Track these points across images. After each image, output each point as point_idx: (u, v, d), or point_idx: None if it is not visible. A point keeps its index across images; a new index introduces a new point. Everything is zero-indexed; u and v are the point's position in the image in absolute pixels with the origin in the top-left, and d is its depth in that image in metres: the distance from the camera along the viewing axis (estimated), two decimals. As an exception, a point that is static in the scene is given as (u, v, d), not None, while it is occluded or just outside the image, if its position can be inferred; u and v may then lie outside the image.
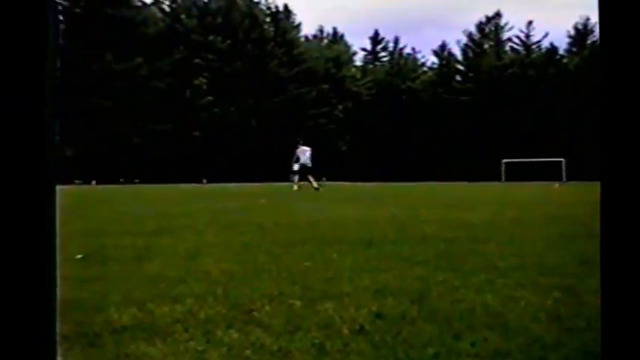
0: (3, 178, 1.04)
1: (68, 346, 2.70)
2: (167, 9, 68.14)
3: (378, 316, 3.19)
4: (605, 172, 1.18)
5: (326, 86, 70.11)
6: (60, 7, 58.66)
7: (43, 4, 1.06)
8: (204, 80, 63.88)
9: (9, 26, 1.03)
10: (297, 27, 74.89)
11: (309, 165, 25.60)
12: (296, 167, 25.71)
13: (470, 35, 74.58)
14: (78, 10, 59.28)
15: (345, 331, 2.92)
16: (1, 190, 1.04)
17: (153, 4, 66.62)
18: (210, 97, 63.34)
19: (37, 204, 1.06)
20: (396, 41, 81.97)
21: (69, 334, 2.84)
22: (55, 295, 1.11)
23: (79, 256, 5.15)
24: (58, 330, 1.12)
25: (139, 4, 64.17)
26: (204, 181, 53.35)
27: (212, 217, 9.99)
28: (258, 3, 71.59)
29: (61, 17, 59.09)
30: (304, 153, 25.78)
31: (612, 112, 1.17)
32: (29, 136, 1.06)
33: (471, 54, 74.14)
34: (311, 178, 25.33)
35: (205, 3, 68.73)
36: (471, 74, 72.94)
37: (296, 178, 25.67)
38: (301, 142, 26.42)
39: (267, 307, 3.34)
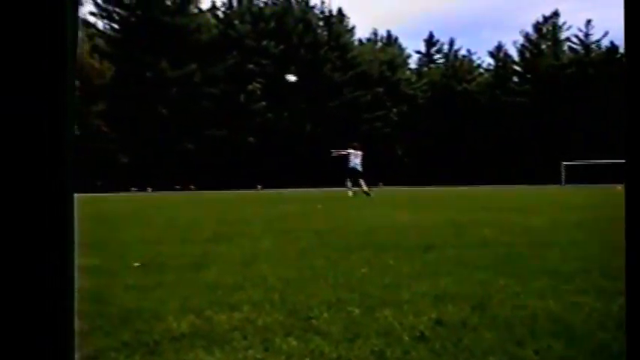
0: (20, 180, 1.03)
1: (129, 353, 2.72)
2: (221, 15, 68.95)
3: (439, 322, 3.14)
4: (630, 174, 1.14)
5: (381, 89, 69.91)
6: (116, 17, 60.05)
7: (61, 5, 1.05)
8: (258, 85, 64.42)
9: (27, 26, 1.03)
10: (351, 31, 74.90)
11: (359, 169, 25.45)
12: (351, 167, 25.47)
13: (527, 35, 73.41)
14: (134, 20, 60.52)
15: (405, 338, 2.87)
16: (19, 192, 1.03)
17: (209, 10, 67.57)
18: (264, 103, 63.83)
19: (54, 206, 1.05)
20: (451, 43, 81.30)
21: (130, 341, 2.87)
22: (74, 301, 1.10)
23: (136, 264, 5.21)
24: (76, 341, 1.11)
25: (195, 10, 65.11)
26: (259, 186, 53.74)
27: (268, 223, 10.03)
28: (312, 7, 71.91)
29: (117, 26, 60.45)
30: (356, 156, 25.63)
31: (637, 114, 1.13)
32: (47, 136, 1.05)
33: (528, 54, 72.97)
34: (362, 183, 25.20)
35: (260, 8, 69.32)
36: (528, 75, 71.83)
37: (349, 183, 25.53)
38: (355, 144, 26.25)
39: (326, 315, 3.31)
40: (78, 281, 1.13)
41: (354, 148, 25.84)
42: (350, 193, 24.44)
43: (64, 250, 1.07)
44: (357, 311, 3.39)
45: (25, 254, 1.04)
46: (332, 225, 9.37)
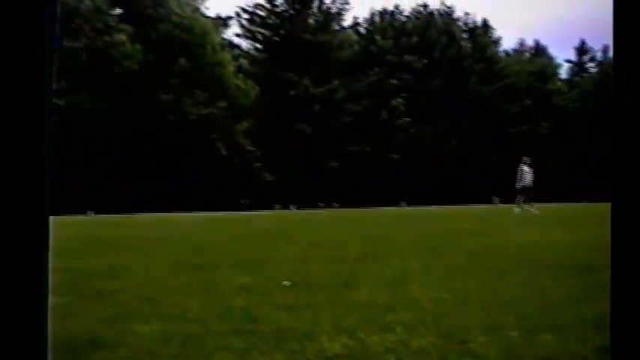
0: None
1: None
2: (363, 31, 69.48)
3: (606, 349, 2.92)
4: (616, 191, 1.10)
5: (529, 102, 67.74)
6: (260, 37, 62.09)
7: (40, 5, 1.05)
8: (401, 100, 64.21)
9: (5, 26, 1.03)
10: (497, 42, 73.24)
11: (518, 186, 24.72)
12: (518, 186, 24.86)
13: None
14: (277, 39, 62.28)
15: (570, 365, 2.71)
16: None
17: (350, 27, 68.39)
18: (407, 118, 63.55)
19: (30, 208, 1.04)
20: (605, 50, 77.24)
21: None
22: (47, 315, 1.07)
23: (286, 283, 5.26)
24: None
25: (338, 27, 66.10)
26: (403, 203, 53.38)
27: (415, 242, 9.91)
28: (455, 20, 71.00)
29: (260, 46, 62.47)
30: (521, 171, 24.93)
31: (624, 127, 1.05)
32: (25, 135, 1.04)
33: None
34: (520, 200, 24.52)
35: (402, 23, 69.29)
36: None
37: (519, 199, 24.81)
38: (524, 159, 25.52)
39: (482, 338, 3.19)
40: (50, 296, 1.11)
41: (522, 164, 25.19)
42: (533, 210, 23.61)
43: (39, 261, 1.06)
44: (514, 335, 3.24)
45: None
46: (482, 244, 9.10)
